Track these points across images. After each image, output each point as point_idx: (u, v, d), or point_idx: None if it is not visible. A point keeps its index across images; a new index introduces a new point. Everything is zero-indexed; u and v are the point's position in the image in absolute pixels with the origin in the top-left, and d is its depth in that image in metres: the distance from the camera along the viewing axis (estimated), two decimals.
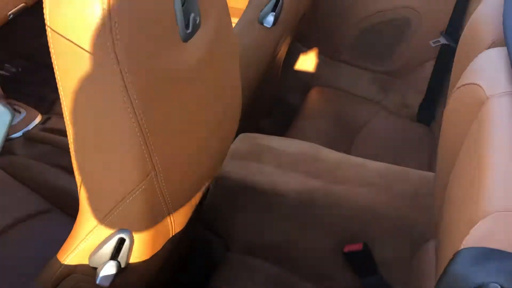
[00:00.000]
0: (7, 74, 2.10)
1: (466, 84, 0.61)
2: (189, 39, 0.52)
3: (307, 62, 1.57)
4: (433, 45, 1.31)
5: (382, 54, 1.47)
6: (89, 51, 0.45)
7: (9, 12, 1.57)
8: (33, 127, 1.37)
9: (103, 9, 0.43)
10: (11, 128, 1.36)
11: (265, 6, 1.05)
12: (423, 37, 1.37)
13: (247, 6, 1.08)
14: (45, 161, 1.26)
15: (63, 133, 1.32)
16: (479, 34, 0.72)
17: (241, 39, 1.11)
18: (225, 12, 0.61)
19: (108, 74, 0.45)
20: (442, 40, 1.28)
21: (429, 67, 1.41)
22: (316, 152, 1.10)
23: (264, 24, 1.06)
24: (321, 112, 1.49)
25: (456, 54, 0.83)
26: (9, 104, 1.43)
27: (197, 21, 0.53)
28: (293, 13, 1.12)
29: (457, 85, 0.63)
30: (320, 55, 1.54)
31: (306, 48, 1.55)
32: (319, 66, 1.56)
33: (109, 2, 0.43)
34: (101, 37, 0.44)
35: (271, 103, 1.68)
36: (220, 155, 0.77)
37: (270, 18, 1.05)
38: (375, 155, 1.41)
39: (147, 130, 0.50)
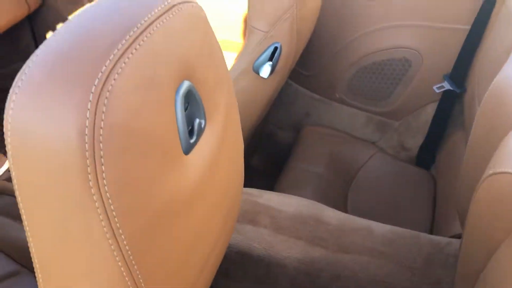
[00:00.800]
0: None
1: (501, 173, 0.53)
2: (192, 149, 0.42)
3: (299, 99, 1.48)
4: (437, 90, 1.24)
5: (379, 94, 1.39)
6: (57, 184, 0.34)
7: None
8: (1, 175, 1.24)
9: (86, 124, 0.32)
10: None
11: (261, 54, 0.95)
12: (424, 79, 1.29)
13: (241, 53, 0.98)
14: (7, 215, 1.14)
15: None
16: (507, 105, 0.64)
17: (235, 85, 1.01)
18: (233, 104, 0.51)
19: (88, 220, 0.34)
20: (446, 86, 1.21)
21: (430, 110, 1.33)
22: (318, 213, 1.00)
23: (260, 75, 0.96)
24: (316, 153, 1.41)
25: (476, 119, 0.75)
26: None
27: (202, 125, 0.43)
28: (290, 60, 1.02)
29: (488, 173, 0.55)
30: (313, 92, 1.45)
31: (299, 85, 1.46)
32: (312, 104, 1.47)
33: (93, 115, 0.32)
34: (78, 166, 0.33)
35: (261, 139, 1.59)
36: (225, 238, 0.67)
37: (267, 69, 0.95)
38: (374, 201, 1.33)
39: (131, 258, 0.39)
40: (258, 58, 0.96)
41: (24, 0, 1.59)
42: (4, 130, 0.35)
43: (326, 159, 1.39)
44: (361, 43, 1.31)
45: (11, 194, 1.22)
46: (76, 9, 1.68)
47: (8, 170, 1.26)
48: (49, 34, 1.80)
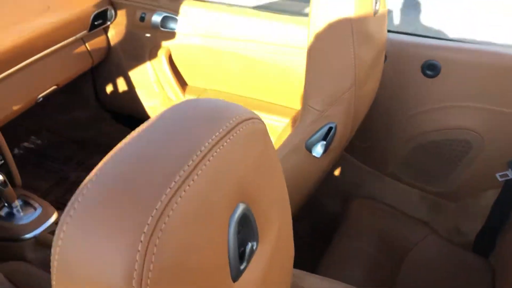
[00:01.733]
0: (32, 146, 2.04)
1: None
2: (241, 275, 0.39)
3: (350, 169, 1.44)
4: (500, 179, 1.16)
5: (435, 174, 1.32)
6: None
7: (39, 96, 1.51)
8: (47, 227, 1.26)
9: (134, 268, 0.30)
10: (24, 227, 1.26)
11: (315, 133, 0.93)
12: (486, 163, 1.22)
13: (294, 129, 0.96)
14: (47, 268, 1.14)
15: None
16: None
17: (284, 163, 0.98)
18: (287, 216, 0.48)
19: None
20: (511, 174, 1.13)
21: (491, 195, 1.25)
22: None
23: (313, 154, 0.93)
24: (365, 229, 1.34)
25: None
26: (25, 197, 1.34)
27: (254, 248, 0.40)
28: (345, 139, 0.99)
29: None
30: (365, 164, 1.41)
31: (351, 155, 1.42)
32: (363, 175, 1.42)
33: (143, 259, 0.30)
34: None
35: (308, 207, 1.55)
36: None
37: (320, 148, 0.93)
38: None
39: None
40: (311, 136, 0.93)
41: (89, 54, 1.66)
42: (51, 259, 0.33)
43: (375, 236, 1.32)
44: (419, 120, 1.27)
45: None
46: (137, 65, 1.74)
47: (55, 223, 1.27)
48: (109, 87, 1.87)
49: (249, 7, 1.52)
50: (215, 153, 0.35)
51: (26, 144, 2.04)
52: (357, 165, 1.42)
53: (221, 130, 0.37)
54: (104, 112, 1.98)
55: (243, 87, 1.64)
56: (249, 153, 0.40)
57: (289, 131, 1.40)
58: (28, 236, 1.23)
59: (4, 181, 1.22)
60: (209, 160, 0.35)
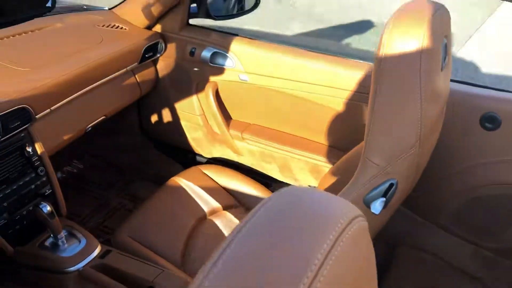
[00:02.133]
0: (74, 170, 2.07)
1: None
2: None
3: (399, 217, 1.39)
4: None
5: (491, 228, 1.26)
6: None
7: (89, 126, 1.53)
8: (91, 260, 1.25)
9: None
10: (68, 259, 1.26)
11: (374, 189, 0.90)
12: None
13: (352, 182, 0.93)
14: None
15: (120, 275, 1.20)
16: None
17: None
18: None
19: None
20: None
21: None
22: None
23: (372, 210, 0.90)
24: (412, 281, 1.28)
25: None
26: (70, 228, 1.34)
27: None
28: (405, 194, 0.96)
29: None
30: (415, 213, 1.36)
31: (400, 203, 1.37)
32: (412, 225, 1.37)
33: None
34: None
35: None
36: None
37: (379, 205, 0.89)
38: None
39: None
40: (370, 192, 0.90)
41: (138, 86, 1.69)
42: None
43: None
44: (476, 172, 1.22)
45: (96, 282, 1.23)
46: (184, 98, 1.75)
47: (98, 257, 1.26)
48: (154, 117, 1.89)
49: (298, 47, 1.52)
50: (328, 268, 0.33)
51: (68, 168, 2.07)
52: (407, 213, 1.37)
53: (331, 236, 0.35)
54: (147, 140, 2.00)
55: (287, 124, 1.63)
56: (358, 258, 0.38)
57: (336, 174, 1.37)
58: (71, 269, 1.23)
59: (52, 212, 1.23)
60: (323, 276, 0.33)
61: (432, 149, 1.02)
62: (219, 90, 1.67)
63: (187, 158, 1.93)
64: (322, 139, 1.57)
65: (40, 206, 1.22)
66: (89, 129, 1.53)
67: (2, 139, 1.21)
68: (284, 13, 4.70)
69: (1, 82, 1.23)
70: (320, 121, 1.53)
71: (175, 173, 1.65)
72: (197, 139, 1.83)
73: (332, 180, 1.40)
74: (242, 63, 1.55)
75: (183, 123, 1.81)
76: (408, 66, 0.80)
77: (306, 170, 1.60)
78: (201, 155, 1.90)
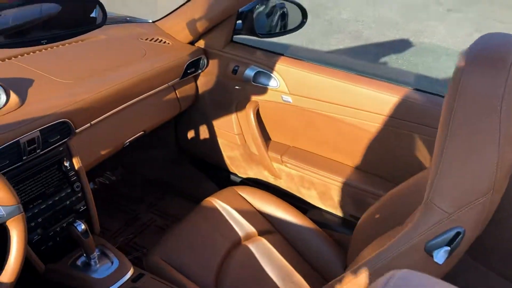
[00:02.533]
0: (106, 182, 2.04)
1: None
2: None
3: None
4: None
5: None
6: None
7: (126, 141, 1.49)
8: (123, 284, 1.21)
9: None
10: (100, 281, 1.21)
11: (438, 236, 0.82)
12: None
13: (413, 226, 0.85)
14: None
15: None
16: None
17: (398, 262, 0.88)
18: None
19: None
20: None
21: None
22: None
23: (434, 259, 0.82)
24: None
25: None
26: (103, 247, 1.30)
27: None
28: (471, 242, 0.88)
29: None
30: (494, 272, 1.26)
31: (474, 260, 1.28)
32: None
33: None
34: None
35: None
36: None
37: (443, 254, 0.82)
38: None
39: None
40: (433, 239, 0.83)
41: (177, 101, 1.65)
42: None
43: None
44: None
45: None
46: (222, 115, 1.71)
47: (130, 280, 1.22)
48: (191, 133, 1.85)
49: (346, 70, 1.45)
50: None
51: (100, 179, 2.04)
52: (485, 271, 1.27)
53: None
54: (182, 156, 1.96)
55: (329, 149, 1.56)
56: None
57: (383, 210, 1.29)
58: None
59: (86, 230, 1.19)
60: None
61: (502, 193, 0.94)
62: (260, 109, 1.62)
63: (222, 177, 1.88)
64: (366, 167, 1.50)
65: (75, 225, 1.18)
66: (127, 144, 1.49)
67: (41, 152, 1.18)
68: (320, 28, 4.64)
69: (43, 94, 1.21)
70: (365, 148, 1.46)
71: (208, 191, 1.60)
72: (233, 158, 1.77)
73: (378, 215, 1.32)
74: (287, 84, 1.50)
75: (220, 141, 1.76)
76: (487, 106, 0.73)
77: (348, 199, 1.53)
78: (236, 174, 1.84)
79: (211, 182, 1.90)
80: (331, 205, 1.59)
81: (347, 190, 1.51)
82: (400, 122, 1.34)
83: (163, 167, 2.00)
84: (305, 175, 1.57)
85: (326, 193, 1.57)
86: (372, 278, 0.90)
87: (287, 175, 1.63)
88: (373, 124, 1.39)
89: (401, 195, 1.20)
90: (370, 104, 1.37)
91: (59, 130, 1.20)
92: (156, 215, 1.90)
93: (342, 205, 1.56)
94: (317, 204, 1.63)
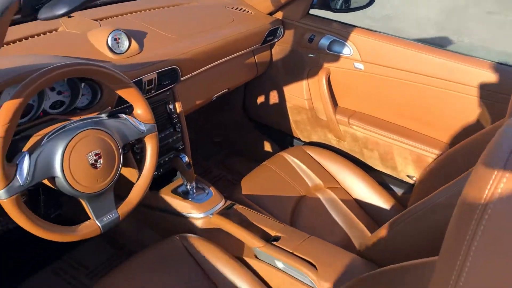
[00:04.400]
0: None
1: None
2: None
3: None
4: None
5: None
6: None
7: (214, 95, 1.68)
8: (217, 209, 1.39)
9: None
10: (198, 206, 1.40)
11: None
12: None
13: None
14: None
15: (245, 225, 1.32)
16: None
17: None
18: None
19: None
20: None
21: None
22: None
23: None
24: None
25: None
26: (198, 181, 1.49)
27: None
28: None
29: None
30: None
31: None
32: None
33: None
34: None
35: None
36: None
37: None
38: None
39: None
40: None
41: (255, 66, 1.83)
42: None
43: None
44: None
45: (224, 228, 1.34)
46: (293, 81, 1.88)
47: (224, 208, 1.40)
48: (260, 98, 2.03)
49: (416, 40, 1.61)
50: None
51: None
52: None
53: None
54: (247, 120, 2.14)
55: (396, 114, 1.71)
56: None
57: (438, 169, 1.44)
58: (202, 215, 1.37)
59: (189, 162, 1.39)
60: None
61: None
62: (331, 76, 1.79)
63: (285, 141, 2.06)
64: (430, 132, 1.65)
65: (180, 156, 1.38)
66: (214, 98, 1.69)
67: (154, 93, 1.37)
68: (363, 23, 4.78)
69: (155, 44, 1.40)
70: (431, 113, 1.61)
71: (271, 153, 1.76)
72: (299, 122, 1.95)
73: (433, 173, 1.47)
74: (360, 52, 1.67)
75: (288, 105, 1.94)
76: None
77: (409, 160, 1.68)
78: (299, 139, 2.02)
79: (274, 145, 2.08)
80: (391, 165, 1.75)
81: (409, 151, 1.67)
82: (468, 89, 1.49)
83: (230, 130, 2.19)
84: (370, 136, 1.74)
85: (388, 153, 1.73)
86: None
87: (351, 137, 1.80)
88: (442, 90, 1.54)
89: (458, 155, 1.36)
90: (440, 72, 1.52)
91: (170, 75, 1.39)
92: (224, 171, 2.09)
93: (402, 166, 1.72)
94: (377, 166, 1.80)
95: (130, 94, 1.08)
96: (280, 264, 1.20)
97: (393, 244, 1.15)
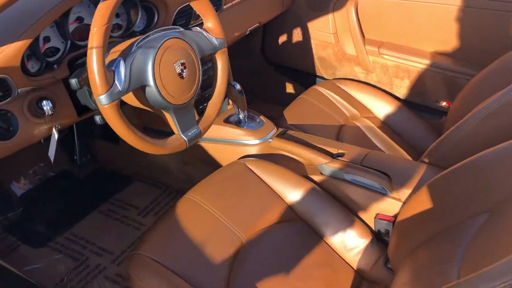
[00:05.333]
0: None
1: None
2: None
3: None
4: None
5: None
6: None
7: (248, 29, 1.67)
8: (270, 136, 1.39)
9: None
10: (252, 132, 1.39)
11: None
12: None
13: None
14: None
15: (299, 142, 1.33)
16: None
17: None
18: None
19: None
20: None
21: None
22: None
23: None
24: None
25: None
26: (249, 111, 1.48)
27: None
28: None
29: None
30: None
31: None
32: None
33: None
34: None
35: None
36: None
37: None
38: None
39: None
40: None
41: (282, 1, 1.82)
42: None
43: None
44: None
45: (283, 150, 1.34)
46: (318, 16, 1.88)
47: (277, 135, 1.40)
48: (281, 38, 2.02)
49: None
50: None
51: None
52: None
53: None
54: (266, 64, 2.13)
55: (425, 41, 1.73)
56: None
57: (472, 91, 1.48)
58: (258, 141, 1.37)
59: (241, 90, 1.38)
60: None
61: None
62: (359, 7, 1.79)
63: (308, 81, 2.06)
64: (462, 54, 1.69)
65: (233, 84, 1.37)
66: (247, 32, 1.67)
67: (200, 21, 1.35)
68: None
69: None
70: (461, 35, 1.64)
71: (295, 95, 1.76)
72: (324, 58, 1.95)
73: (468, 95, 1.51)
74: None
75: (312, 42, 1.94)
76: None
77: (441, 85, 1.72)
78: (322, 77, 2.02)
79: (297, 86, 2.09)
80: (422, 93, 1.79)
81: (440, 75, 1.71)
82: (497, 3, 1.52)
83: (249, 76, 2.17)
84: (400, 63, 1.76)
85: (419, 80, 1.76)
86: None
87: (381, 67, 1.82)
88: (471, 8, 1.56)
89: (493, 74, 1.40)
90: None
91: (215, 2, 1.37)
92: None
93: (434, 91, 1.76)
94: (407, 95, 1.83)
95: (202, 6, 1.06)
96: (349, 177, 1.23)
97: (460, 149, 1.19)
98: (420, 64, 1.72)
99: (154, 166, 1.61)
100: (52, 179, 1.58)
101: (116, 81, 0.86)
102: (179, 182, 1.59)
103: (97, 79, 0.83)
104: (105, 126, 0.93)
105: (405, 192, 1.15)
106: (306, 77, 2.06)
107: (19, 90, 0.93)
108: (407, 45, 1.77)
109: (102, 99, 0.84)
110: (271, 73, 2.13)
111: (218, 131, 1.40)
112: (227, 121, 1.42)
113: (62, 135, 1.11)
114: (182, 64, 0.97)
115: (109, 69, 0.86)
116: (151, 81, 0.92)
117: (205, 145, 1.45)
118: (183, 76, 0.97)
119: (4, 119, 0.95)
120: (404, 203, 1.14)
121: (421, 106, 1.82)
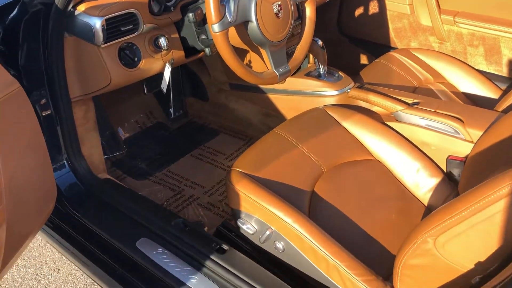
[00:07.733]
0: None
1: None
2: None
3: None
4: None
5: None
6: None
7: None
8: (347, 89, 1.51)
9: None
10: (333, 84, 1.51)
11: None
12: None
13: None
14: None
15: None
16: None
17: None
18: None
19: None
20: None
21: None
22: None
23: None
24: None
25: None
26: (329, 68, 1.60)
27: None
28: None
29: None
30: None
31: None
32: None
33: None
34: None
35: None
36: None
37: None
38: None
39: None
40: None
41: None
42: None
43: None
44: None
45: (364, 99, 1.46)
46: None
47: (356, 87, 1.51)
48: (356, 11, 2.12)
49: None
50: None
51: None
52: None
53: None
54: (341, 36, 2.24)
55: (500, 8, 1.77)
56: None
57: None
58: (337, 92, 1.50)
59: (323, 46, 1.51)
60: None
61: None
62: None
63: (382, 52, 2.15)
64: None
65: (315, 39, 1.50)
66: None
67: None
68: None
69: None
70: None
71: (368, 65, 1.85)
72: (399, 28, 2.03)
73: None
74: None
75: (388, 13, 2.03)
76: None
77: None
78: (396, 48, 2.11)
79: (371, 57, 2.18)
80: (497, 61, 1.82)
81: None
82: None
83: (325, 46, 2.29)
84: (476, 31, 1.81)
85: (493, 48, 1.81)
86: None
87: (456, 35, 1.88)
88: None
89: None
90: None
91: None
92: None
93: (509, 59, 1.79)
94: (481, 64, 1.87)
95: None
96: (423, 122, 1.32)
97: None
98: (496, 30, 1.76)
99: (238, 120, 1.78)
100: (150, 128, 1.80)
101: (226, 13, 1.03)
102: (261, 134, 1.75)
103: (212, 9, 1.00)
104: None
105: (477, 134, 1.22)
106: (381, 48, 2.15)
107: (144, 26, 1.12)
108: (483, 13, 1.82)
109: (215, 27, 1.01)
110: (346, 45, 2.24)
111: (299, 84, 1.54)
112: (308, 75, 1.55)
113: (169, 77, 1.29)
114: (279, 5, 1.12)
115: (221, 3, 1.03)
116: (253, 17, 1.08)
117: (286, 97, 1.60)
118: (279, 16, 1.12)
119: (131, 51, 1.15)
120: (475, 144, 1.22)
121: (495, 76, 1.86)
